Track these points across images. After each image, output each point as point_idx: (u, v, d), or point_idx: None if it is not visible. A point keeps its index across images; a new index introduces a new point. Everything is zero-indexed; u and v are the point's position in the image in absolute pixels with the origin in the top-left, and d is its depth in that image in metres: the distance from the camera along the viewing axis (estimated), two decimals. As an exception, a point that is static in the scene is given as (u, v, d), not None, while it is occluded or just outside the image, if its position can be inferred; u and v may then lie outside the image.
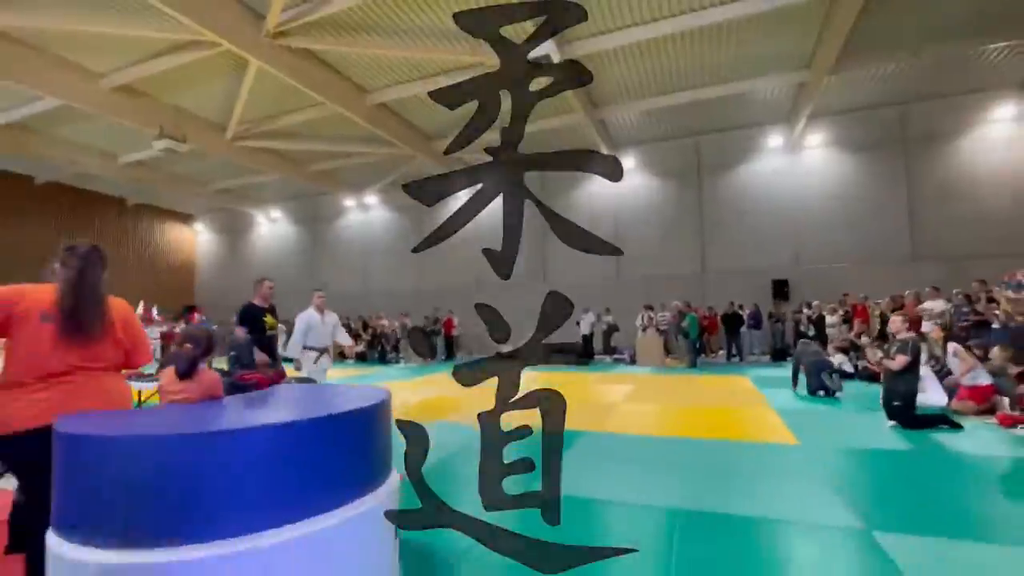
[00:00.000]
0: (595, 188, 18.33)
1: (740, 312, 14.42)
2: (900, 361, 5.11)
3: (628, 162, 17.71)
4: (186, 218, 25.59)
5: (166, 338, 17.97)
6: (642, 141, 17.53)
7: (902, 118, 14.88)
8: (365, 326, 18.00)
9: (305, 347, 5.51)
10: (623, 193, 17.91)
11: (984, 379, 5.70)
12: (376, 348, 16.85)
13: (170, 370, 2.50)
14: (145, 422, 2.01)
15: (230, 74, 11.40)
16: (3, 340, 2.26)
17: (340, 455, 1.92)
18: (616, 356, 15.40)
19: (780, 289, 15.56)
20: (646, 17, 9.93)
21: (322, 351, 5.58)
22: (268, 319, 5.00)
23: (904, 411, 5.12)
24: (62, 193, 19.63)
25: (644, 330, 14.07)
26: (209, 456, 1.66)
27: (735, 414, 6.40)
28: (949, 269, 12.96)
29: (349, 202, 21.66)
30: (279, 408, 2.27)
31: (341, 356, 13.77)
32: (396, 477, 2.25)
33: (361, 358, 16.77)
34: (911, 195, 14.75)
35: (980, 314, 7.97)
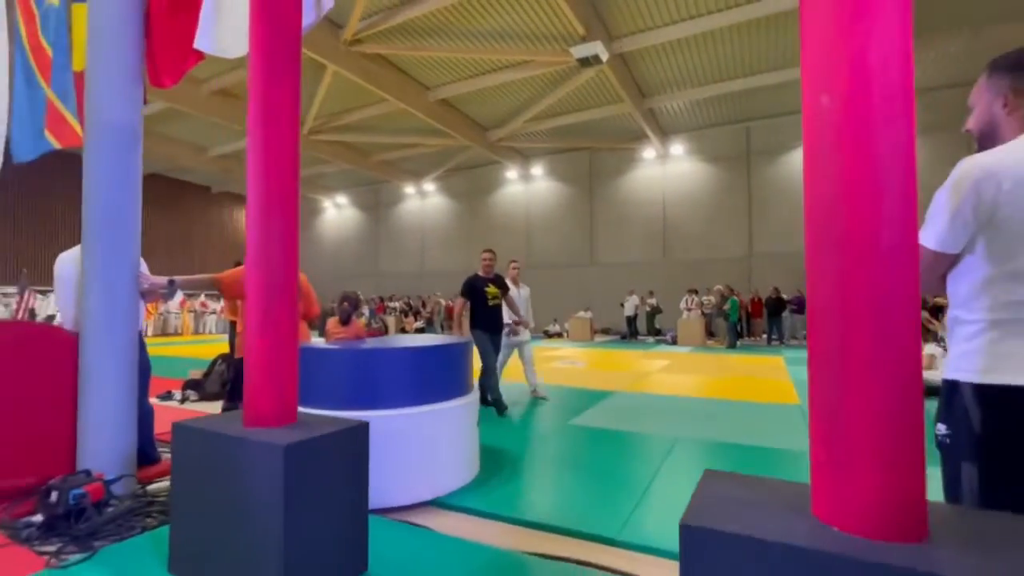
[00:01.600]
0: (644, 172, 18.77)
1: (783, 297, 14.68)
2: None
3: (677, 149, 18.05)
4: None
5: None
6: (691, 128, 17.77)
7: (963, 99, 14.42)
8: (424, 304, 19.44)
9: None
10: (671, 178, 18.29)
11: None
12: (433, 324, 18.26)
13: (335, 319, 3.70)
14: (336, 347, 3.14)
15: (309, 76, 12.81)
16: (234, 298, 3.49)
17: (447, 369, 3.00)
18: (659, 337, 16.06)
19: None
20: (693, 12, 10.40)
21: (516, 324, 5.55)
22: (490, 289, 5.08)
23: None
24: (160, 183, 22.15)
25: (688, 312, 14.64)
26: (373, 362, 2.77)
27: (754, 382, 7.13)
28: None
29: (409, 189, 23.12)
30: (403, 343, 3.38)
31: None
32: (477, 390, 3.33)
33: (420, 333, 18.24)
34: (973, 180, 14.36)
35: None
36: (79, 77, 3.42)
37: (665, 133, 17.93)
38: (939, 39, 11.66)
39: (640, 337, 16.30)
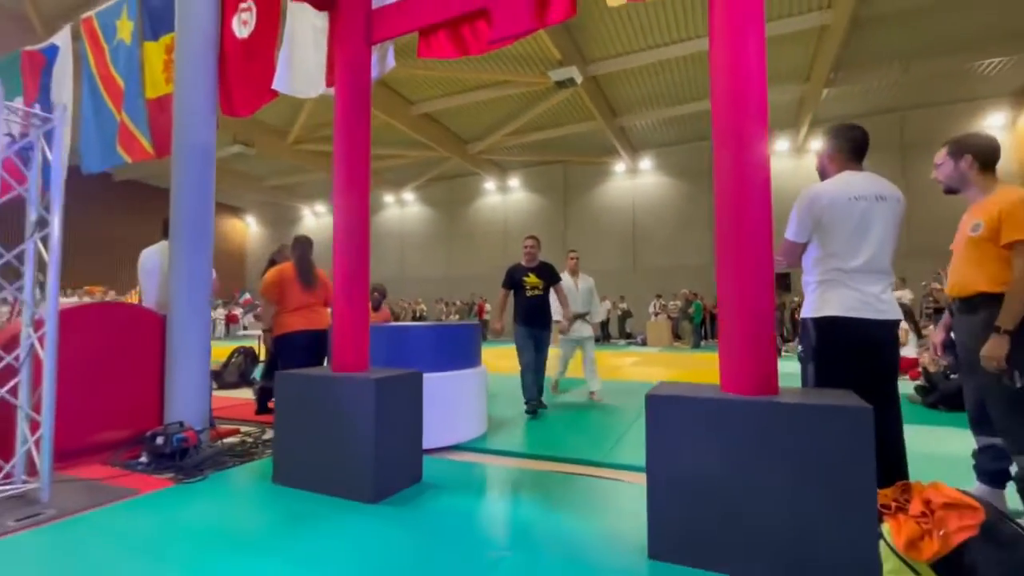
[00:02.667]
0: (615, 185, 19.92)
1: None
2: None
3: (645, 163, 19.29)
4: (236, 210, 28.02)
5: (229, 319, 20.46)
6: (658, 144, 19.04)
7: (901, 124, 16.13)
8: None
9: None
10: (640, 191, 19.50)
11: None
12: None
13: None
14: (384, 325, 3.86)
15: (301, 90, 13.39)
16: (279, 293, 4.16)
17: (459, 345, 3.78)
18: (629, 339, 17.08)
19: (782, 281, 16.95)
20: (657, 42, 11.53)
21: (575, 317, 5.13)
22: (530, 278, 4.61)
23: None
24: (137, 188, 22.10)
25: (655, 316, 15.71)
26: (408, 337, 3.53)
27: (713, 373, 8.09)
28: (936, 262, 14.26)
29: (388, 198, 23.70)
30: (425, 326, 4.13)
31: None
32: (484, 365, 4.12)
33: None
34: (909, 195, 16.01)
35: (937, 302, 9.48)
36: (152, 103, 4.08)
37: (635, 149, 19.14)
38: (870, 74, 13.13)
39: (612, 340, 17.29)
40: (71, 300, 7.51)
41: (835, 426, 1.64)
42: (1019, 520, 1.63)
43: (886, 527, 1.54)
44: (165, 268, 3.65)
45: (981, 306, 2.09)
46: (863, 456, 1.59)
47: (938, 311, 9.54)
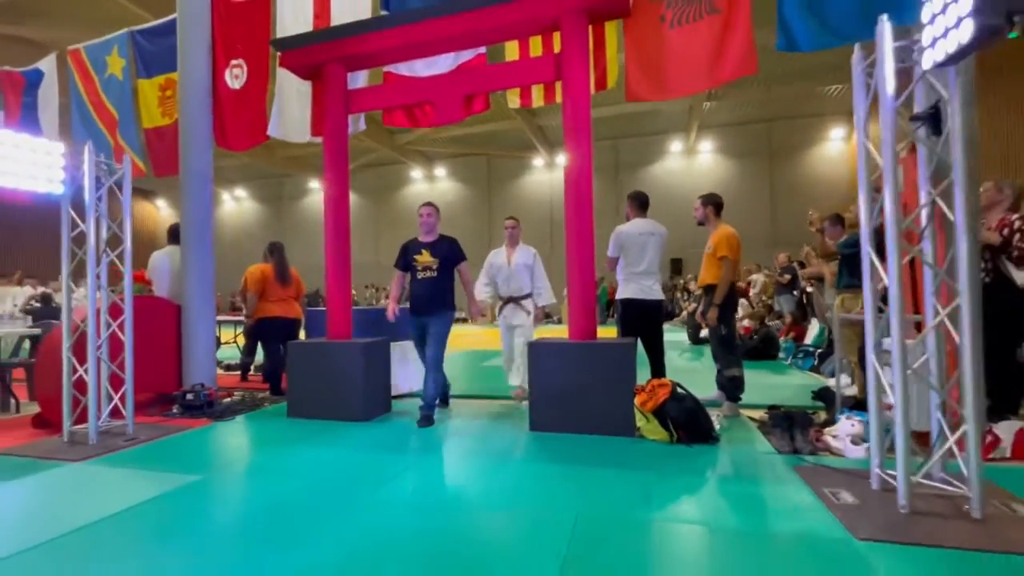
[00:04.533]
0: (534, 178, 21.64)
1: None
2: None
3: (561, 159, 21.11)
4: (147, 193, 26.63)
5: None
6: (572, 141, 20.93)
7: (768, 133, 19.18)
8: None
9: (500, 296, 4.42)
10: (557, 184, 21.31)
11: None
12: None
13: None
14: (361, 308, 5.11)
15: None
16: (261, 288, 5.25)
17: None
18: (547, 319, 19.06)
19: (676, 265, 19.69)
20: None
21: (506, 301, 4.36)
22: (422, 256, 3.82)
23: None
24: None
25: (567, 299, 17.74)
26: (374, 318, 4.88)
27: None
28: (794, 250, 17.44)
29: (313, 184, 23.81)
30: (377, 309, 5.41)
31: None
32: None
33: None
34: (772, 193, 19.18)
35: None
36: (149, 132, 5.00)
37: (552, 146, 20.91)
38: (741, 91, 15.69)
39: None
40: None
41: (616, 352, 3.29)
42: (710, 399, 3.40)
43: (637, 399, 3.21)
44: (176, 267, 4.69)
45: (708, 291, 3.87)
46: (628, 365, 3.25)
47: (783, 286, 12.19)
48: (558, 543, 1.87)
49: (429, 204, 4.05)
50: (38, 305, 7.05)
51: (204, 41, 4.58)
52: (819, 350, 5.98)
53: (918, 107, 2.35)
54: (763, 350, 6.83)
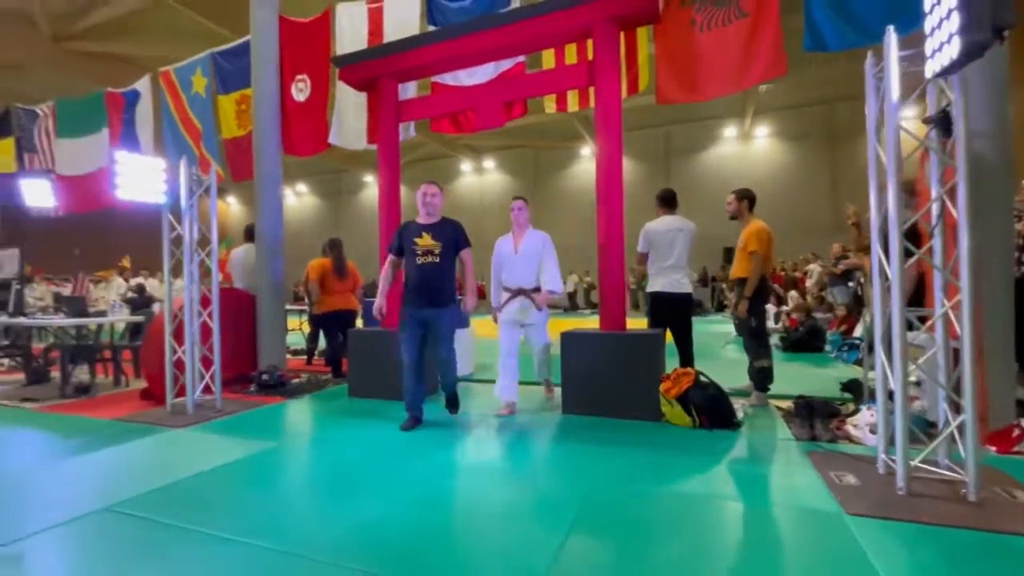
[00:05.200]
0: (580, 168, 21.62)
1: (692, 273, 18.09)
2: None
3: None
4: (220, 191, 28.73)
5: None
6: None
7: (829, 114, 18.22)
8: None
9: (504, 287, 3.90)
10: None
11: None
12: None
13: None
14: None
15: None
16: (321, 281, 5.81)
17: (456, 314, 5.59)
18: (595, 309, 19.14)
19: (729, 255, 19.19)
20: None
21: (514, 293, 3.82)
22: (423, 239, 3.38)
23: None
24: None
25: (616, 287, 17.75)
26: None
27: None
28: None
29: (368, 178, 24.90)
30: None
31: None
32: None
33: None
34: (834, 178, 18.26)
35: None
36: (228, 142, 5.62)
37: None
38: (796, 72, 14.99)
39: (579, 309, 19.32)
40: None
41: (644, 342, 3.51)
42: (740, 388, 3.57)
43: (662, 386, 3.43)
44: (250, 263, 5.31)
45: (739, 284, 4.00)
46: (655, 355, 3.47)
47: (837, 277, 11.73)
48: (570, 506, 2.17)
49: (433, 183, 3.54)
50: (134, 295, 8.02)
51: (273, 60, 5.12)
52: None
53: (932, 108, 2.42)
54: (808, 342, 6.76)
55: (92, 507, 2.25)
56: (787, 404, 3.70)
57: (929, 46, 2.03)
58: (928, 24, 2.02)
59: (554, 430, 3.37)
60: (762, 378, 3.90)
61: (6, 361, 6.18)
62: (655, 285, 4.01)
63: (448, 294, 3.45)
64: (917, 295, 3.20)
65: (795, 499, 2.22)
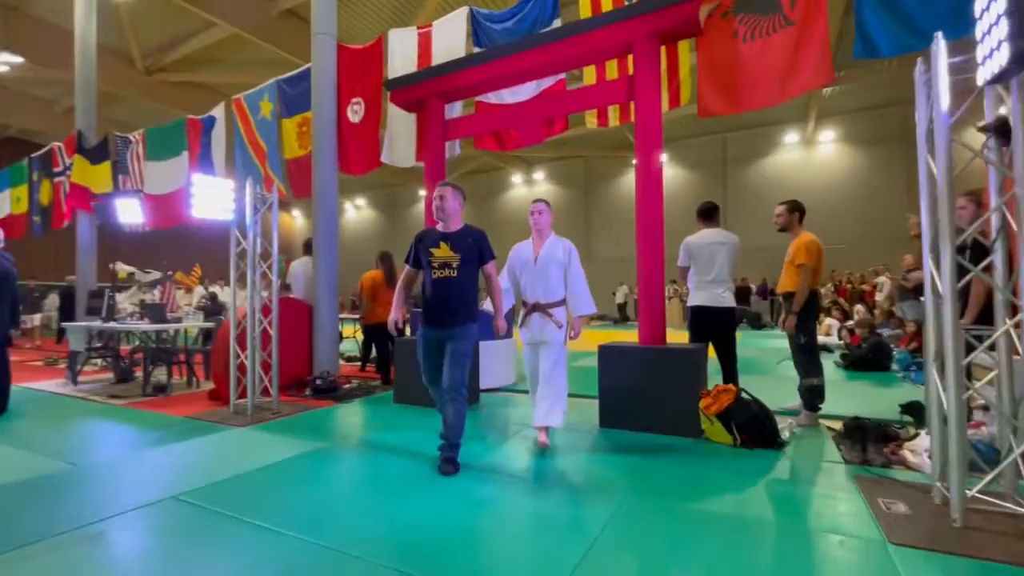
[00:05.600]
0: (632, 178, 21.37)
1: (750, 285, 17.34)
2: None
3: (662, 156, 20.66)
4: (285, 205, 30.59)
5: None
6: (674, 138, 20.34)
7: (904, 116, 17.05)
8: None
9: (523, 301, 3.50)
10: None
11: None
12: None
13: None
14: None
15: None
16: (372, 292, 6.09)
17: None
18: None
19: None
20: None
21: (531, 309, 3.39)
22: (440, 250, 2.96)
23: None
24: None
25: (668, 300, 17.32)
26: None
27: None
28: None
29: (422, 192, 25.73)
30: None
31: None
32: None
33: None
34: (911, 184, 17.01)
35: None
36: (290, 162, 6.05)
37: (651, 143, 20.51)
38: (865, 72, 14.18)
39: (630, 321, 18.98)
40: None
41: (683, 357, 3.46)
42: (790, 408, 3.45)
43: (701, 402, 3.36)
44: (309, 275, 5.66)
45: (787, 298, 3.85)
46: (694, 371, 3.41)
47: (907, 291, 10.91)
48: (599, 518, 2.19)
49: (449, 184, 3.09)
50: (207, 303, 8.71)
51: (331, 85, 5.49)
52: (938, 363, 5.45)
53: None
54: (872, 360, 6.34)
55: (162, 495, 2.50)
56: (840, 425, 3.52)
57: (980, 52, 1.93)
58: (979, 29, 1.93)
59: (590, 443, 3.38)
60: (812, 397, 3.73)
61: (99, 361, 6.87)
62: (696, 299, 3.94)
63: (466, 312, 2.97)
64: (989, 312, 2.97)
65: (834, 524, 2.12)
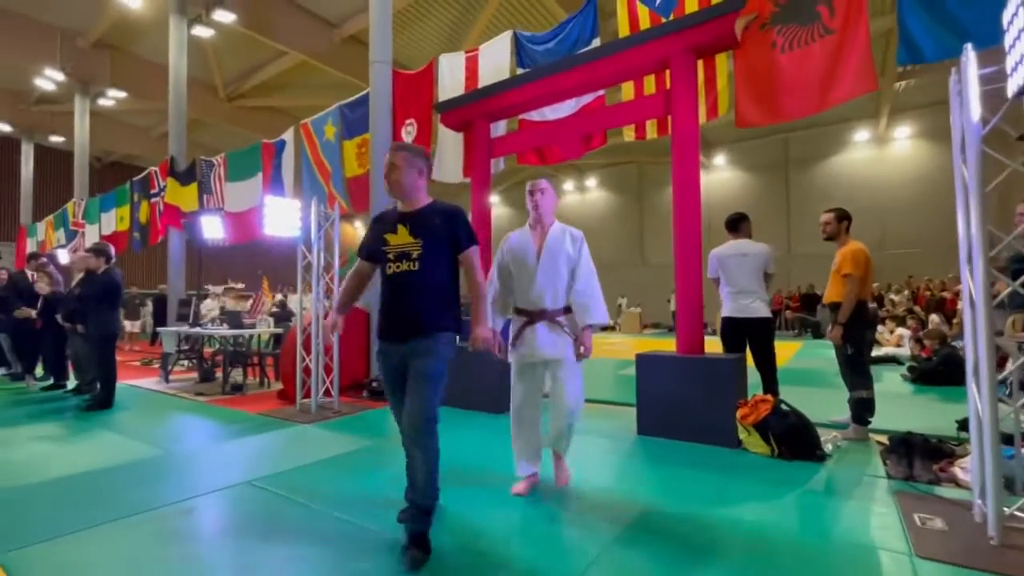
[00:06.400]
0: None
1: (817, 293, 16.45)
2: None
3: (719, 159, 20.08)
4: (348, 217, 32.24)
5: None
6: (732, 140, 19.74)
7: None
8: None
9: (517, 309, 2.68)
10: (714, 186, 20.31)
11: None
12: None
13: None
14: None
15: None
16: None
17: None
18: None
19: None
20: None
21: (528, 318, 2.63)
22: (396, 235, 2.19)
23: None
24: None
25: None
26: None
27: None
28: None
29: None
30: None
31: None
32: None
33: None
34: (1007, 182, 15.58)
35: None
36: (351, 180, 6.53)
37: (709, 145, 19.99)
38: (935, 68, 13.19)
39: (685, 329, 18.51)
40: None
41: (720, 367, 3.49)
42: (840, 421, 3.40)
43: (739, 412, 3.37)
44: (366, 284, 6.07)
45: (833, 309, 3.78)
46: (731, 380, 3.43)
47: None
48: (623, 518, 2.31)
49: (404, 148, 2.31)
50: (278, 310, 9.45)
51: (387, 109, 5.91)
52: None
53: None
54: (944, 373, 5.95)
55: (237, 480, 2.86)
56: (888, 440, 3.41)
57: (1009, 62, 1.92)
58: (1007, 39, 1.92)
59: (626, 448, 3.47)
60: (860, 410, 3.62)
61: (186, 362, 7.67)
62: (725, 310, 3.96)
63: (433, 319, 2.14)
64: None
65: (860, 537, 2.13)
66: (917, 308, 12.38)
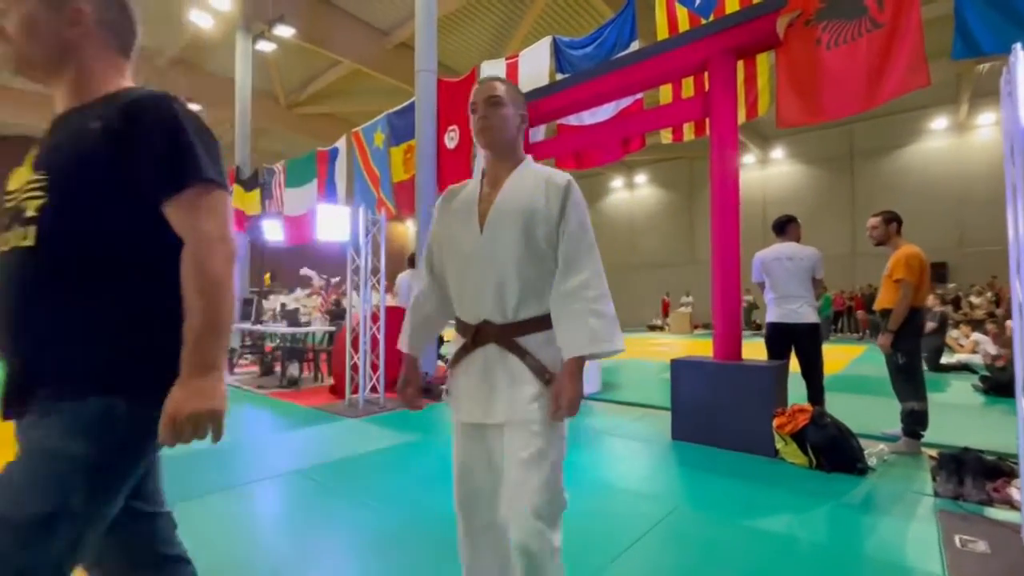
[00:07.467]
0: (744, 176, 20.07)
1: (883, 292, 15.43)
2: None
3: (777, 153, 19.19)
4: (401, 219, 33.24)
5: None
6: (791, 132, 18.79)
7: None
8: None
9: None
10: (772, 180, 19.46)
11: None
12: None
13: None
14: None
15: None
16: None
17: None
18: (755, 331, 17.51)
19: (937, 272, 15.91)
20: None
21: (477, 332, 1.36)
22: (14, 176, 0.97)
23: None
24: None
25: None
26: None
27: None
28: None
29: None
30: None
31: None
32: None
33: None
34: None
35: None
36: (397, 185, 6.81)
37: (766, 138, 19.15)
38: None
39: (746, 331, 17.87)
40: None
41: (758, 374, 3.43)
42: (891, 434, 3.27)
43: (775, 421, 3.30)
44: (412, 285, 6.33)
45: (884, 316, 3.61)
46: (768, 388, 3.36)
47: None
48: (648, 520, 2.36)
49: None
50: (333, 308, 9.95)
51: (432, 116, 6.12)
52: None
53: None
54: (1020, 385, 5.49)
55: (290, 468, 3.13)
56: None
57: (1060, 63, 1.81)
58: (1057, 39, 1.81)
59: (659, 453, 3.48)
60: (912, 422, 3.45)
61: (249, 356, 8.25)
62: (770, 315, 3.85)
63: (54, 347, 0.90)
64: None
65: (892, 555, 2.07)
66: (999, 311, 11.38)
